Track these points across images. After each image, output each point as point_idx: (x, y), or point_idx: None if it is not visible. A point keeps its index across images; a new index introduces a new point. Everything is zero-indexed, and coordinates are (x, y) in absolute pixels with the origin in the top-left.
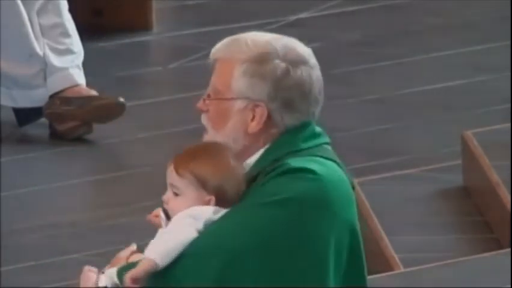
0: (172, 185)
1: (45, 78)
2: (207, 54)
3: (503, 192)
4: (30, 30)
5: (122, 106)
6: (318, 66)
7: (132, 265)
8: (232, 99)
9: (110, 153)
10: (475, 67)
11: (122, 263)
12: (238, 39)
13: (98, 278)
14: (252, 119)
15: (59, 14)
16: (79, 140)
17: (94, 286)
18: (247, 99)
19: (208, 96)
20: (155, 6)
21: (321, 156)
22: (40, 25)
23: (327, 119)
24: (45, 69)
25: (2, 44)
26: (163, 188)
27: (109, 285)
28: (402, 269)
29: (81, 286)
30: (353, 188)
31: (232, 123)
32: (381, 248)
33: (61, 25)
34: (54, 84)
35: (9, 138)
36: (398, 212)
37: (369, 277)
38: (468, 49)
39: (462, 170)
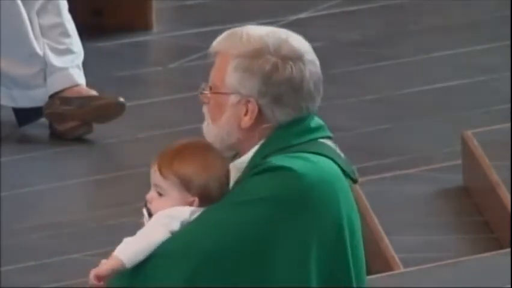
0: (156, 185)
1: (45, 78)
2: (207, 54)
3: (503, 192)
4: (30, 30)
5: (122, 106)
6: (315, 61)
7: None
8: (226, 93)
9: (110, 153)
10: (475, 67)
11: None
12: (235, 33)
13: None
14: (245, 114)
15: (59, 14)
16: (79, 140)
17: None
18: (240, 94)
19: (210, 88)
20: (155, 6)
21: (312, 152)
22: (40, 25)
23: (327, 119)
24: (45, 69)
25: (2, 44)
26: None
27: None
28: (402, 269)
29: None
30: (355, 181)
31: (226, 117)
32: (381, 248)
33: (61, 25)
34: (54, 84)
35: (9, 138)
36: (398, 212)
37: (369, 277)
38: (468, 49)
39: (462, 170)
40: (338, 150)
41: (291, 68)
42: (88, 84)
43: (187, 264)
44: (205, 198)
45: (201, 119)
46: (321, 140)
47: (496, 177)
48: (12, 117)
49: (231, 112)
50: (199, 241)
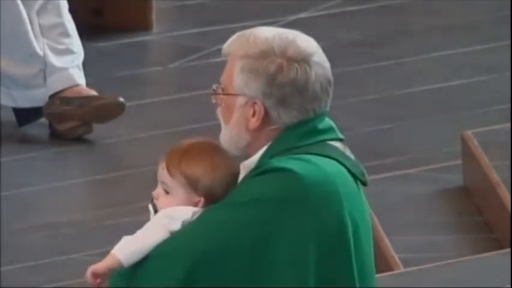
0: (163, 183)
1: (45, 78)
2: (207, 54)
3: (503, 192)
4: (30, 30)
5: (122, 106)
6: (323, 63)
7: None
8: (234, 95)
9: (110, 153)
10: (475, 67)
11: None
12: (243, 35)
13: None
14: (253, 115)
15: (59, 14)
16: (79, 140)
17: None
18: (246, 95)
19: (222, 89)
20: (155, 6)
21: (317, 154)
22: (40, 25)
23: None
24: (45, 69)
25: (2, 44)
26: None
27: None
28: (402, 269)
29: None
30: (365, 184)
31: (236, 118)
32: (381, 248)
33: (61, 25)
34: (54, 84)
35: (9, 138)
36: (398, 212)
37: None
38: (468, 49)
39: (462, 170)
40: (348, 153)
41: (296, 69)
42: (88, 84)
43: (183, 264)
44: (211, 199)
45: (201, 119)
46: (329, 142)
47: (496, 177)
48: (12, 117)
49: (240, 113)
50: (197, 241)
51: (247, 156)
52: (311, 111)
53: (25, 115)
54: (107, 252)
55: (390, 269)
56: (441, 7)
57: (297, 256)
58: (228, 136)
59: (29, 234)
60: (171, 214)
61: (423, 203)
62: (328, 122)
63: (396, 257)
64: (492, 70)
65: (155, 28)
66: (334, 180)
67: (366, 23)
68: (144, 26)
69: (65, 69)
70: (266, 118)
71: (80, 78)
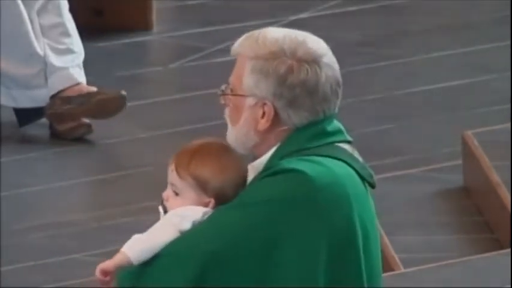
0: (173, 184)
1: (45, 78)
2: (207, 54)
3: (503, 192)
4: (30, 29)
5: (123, 99)
6: (333, 65)
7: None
8: (243, 95)
9: (110, 153)
10: (475, 67)
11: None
12: (252, 35)
13: None
14: (262, 116)
15: (59, 13)
16: (79, 140)
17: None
18: (256, 96)
19: (231, 90)
20: (155, 6)
21: (326, 155)
22: (40, 25)
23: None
24: (45, 69)
25: (2, 44)
26: (163, 188)
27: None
28: (403, 269)
29: None
30: (373, 186)
31: (244, 119)
32: (381, 248)
33: (61, 25)
34: (55, 84)
35: (9, 138)
36: (399, 212)
37: None
38: (468, 49)
39: (462, 170)
40: (356, 155)
41: (307, 70)
42: (88, 83)
43: (193, 264)
44: (221, 199)
45: (201, 119)
46: (338, 144)
47: (496, 178)
48: (12, 117)
49: (248, 114)
50: (207, 241)
51: (254, 156)
52: (321, 113)
53: (26, 115)
54: (107, 252)
55: (390, 269)
56: (441, 7)
57: (306, 257)
58: (235, 137)
59: (29, 234)
60: (182, 214)
61: (424, 203)
62: (336, 124)
63: (396, 257)
64: (492, 70)
65: (155, 28)
66: (344, 182)
67: (366, 23)
68: (144, 26)
69: (65, 68)
70: (276, 119)
71: (80, 77)
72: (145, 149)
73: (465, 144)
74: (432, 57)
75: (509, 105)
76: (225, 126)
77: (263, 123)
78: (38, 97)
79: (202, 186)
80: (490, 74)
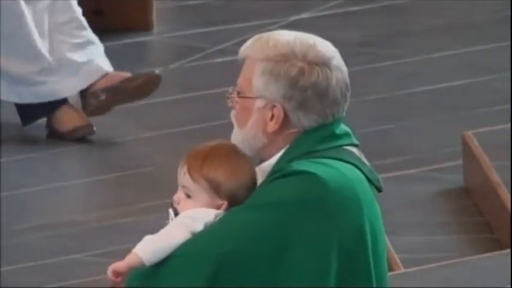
0: (185, 187)
1: (47, 75)
2: (208, 55)
3: (503, 192)
4: (32, 29)
5: (158, 78)
6: (342, 68)
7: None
8: (252, 97)
9: (110, 153)
10: (475, 67)
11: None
12: (262, 37)
13: None
14: (271, 118)
15: (70, 9)
16: (79, 140)
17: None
18: (266, 98)
19: (238, 93)
20: (155, 6)
21: (336, 158)
22: (52, 23)
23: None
24: (47, 66)
25: (4, 43)
26: (164, 189)
27: None
28: (403, 269)
29: None
30: (380, 190)
31: (252, 122)
32: None
33: (75, 19)
34: (85, 79)
35: (9, 138)
36: (399, 213)
37: None
38: (468, 49)
39: (462, 170)
40: (363, 158)
41: (318, 73)
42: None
43: (206, 265)
44: (233, 202)
45: (202, 119)
46: (346, 147)
47: (497, 178)
48: (12, 117)
49: (257, 116)
50: (220, 243)
51: (260, 159)
52: (330, 116)
53: (29, 114)
54: (107, 253)
55: (391, 269)
56: (441, 7)
57: (317, 258)
58: (242, 138)
59: (29, 234)
60: (193, 215)
61: (424, 203)
62: (344, 127)
63: (396, 257)
64: (492, 70)
65: (155, 28)
66: (354, 186)
67: (366, 23)
68: (145, 26)
69: (91, 61)
70: (285, 121)
71: (107, 66)
72: (145, 149)
73: (465, 144)
74: (433, 57)
75: (509, 105)
76: (225, 126)
77: (272, 126)
78: (41, 93)
79: (215, 188)
80: (490, 74)
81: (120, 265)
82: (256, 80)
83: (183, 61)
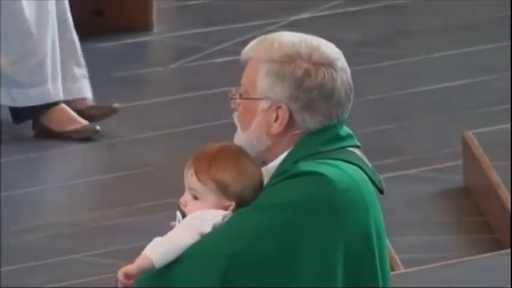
0: (192, 189)
1: (43, 76)
2: (207, 55)
3: (503, 192)
4: (31, 27)
5: (115, 110)
6: (346, 69)
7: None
8: (256, 99)
9: (110, 153)
10: (475, 67)
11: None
12: (266, 39)
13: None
14: (276, 120)
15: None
16: (80, 140)
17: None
18: (270, 99)
19: (240, 95)
20: (155, 6)
21: (341, 159)
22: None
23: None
24: (44, 67)
25: (2, 41)
26: (164, 189)
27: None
28: (403, 270)
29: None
30: (382, 192)
31: (256, 123)
32: None
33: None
34: (73, 93)
35: (9, 138)
36: (399, 212)
37: None
38: (468, 49)
39: (462, 170)
40: (366, 160)
41: (324, 74)
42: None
43: (217, 266)
44: (241, 203)
45: (201, 120)
46: (349, 149)
47: (497, 178)
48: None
49: (261, 118)
50: (229, 243)
51: (264, 160)
52: (335, 117)
53: (20, 113)
54: (107, 253)
55: (391, 269)
56: (441, 7)
57: (325, 259)
58: (245, 140)
59: (29, 234)
60: (202, 217)
61: (424, 203)
62: (346, 128)
63: (396, 257)
64: (492, 70)
65: (155, 28)
66: (360, 187)
67: (366, 23)
68: (145, 26)
69: (84, 78)
70: (289, 123)
71: (89, 92)
72: (145, 149)
73: (465, 144)
74: (433, 57)
75: (509, 105)
76: (225, 126)
77: (276, 127)
78: (36, 95)
79: (223, 189)
80: (490, 74)
81: (131, 268)
82: (260, 81)
83: (183, 61)
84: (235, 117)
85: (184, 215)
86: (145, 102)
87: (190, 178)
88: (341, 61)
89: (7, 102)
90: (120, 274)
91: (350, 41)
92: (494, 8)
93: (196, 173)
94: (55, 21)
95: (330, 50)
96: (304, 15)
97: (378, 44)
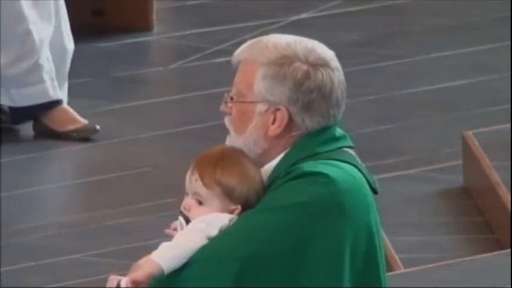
0: (196, 194)
1: (42, 74)
2: (207, 55)
3: (503, 192)
4: (29, 26)
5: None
6: (340, 69)
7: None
8: (253, 102)
9: (110, 153)
10: (475, 67)
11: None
12: (260, 41)
13: (120, 279)
14: (273, 122)
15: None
16: (79, 140)
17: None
18: (268, 102)
19: (231, 98)
20: (155, 6)
21: (339, 160)
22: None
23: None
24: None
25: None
26: (164, 189)
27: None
28: (403, 269)
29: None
30: (376, 192)
31: (253, 126)
32: None
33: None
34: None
35: (9, 138)
36: (398, 212)
37: None
38: (468, 49)
39: (462, 170)
40: (359, 160)
41: (322, 75)
42: (88, 84)
43: (231, 268)
44: (246, 206)
45: (201, 120)
46: (345, 149)
47: (496, 178)
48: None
49: (258, 121)
50: (240, 246)
51: (260, 163)
52: (332, 118)
53: (21, 113)
54: (107, 253)
55: (391, 270)
56: (441, 7)
57: (333, 259)
58: (242, 144)
59: (29, 234)
60: (209, 220)
61: (424, 203)
62: (340, 129)
63: (396, 257)
64: (492, 70)
65: (155, 29)
66: (361, 187)
67: (366, 23)
68: (145, 26)
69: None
70: (288, 124)
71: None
72: (145, 149)
73: (465, 144)
74: (433, 57)
75: (509, 105)
76: (225, 127)
77: (274, 129)
78: (34, 95)
79: (228, 193)
80: (490, 74)
81: (139, 275)
82: (258, 84)
83: (183, 61)
84: (228, 121)
85: (187, 220)
86: (145, 102)
87: (194, 183)
88: (335, 61)
89: (6, 102)
90: (129, 281)
91: (350, 41)
92: (494, 8)
93: (201, 177)
94: (54, 19)
95: (324, 50)
96: (304, 15)
97: (378, 44)
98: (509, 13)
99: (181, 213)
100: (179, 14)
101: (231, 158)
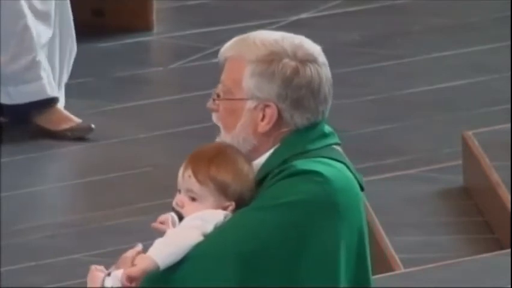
0: (189, 190)
1: (39, 72)
2: (207, 55)
3: (503, 192)
4: (28, 24)
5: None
6: (327, 64)
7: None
8: (242, 99)
9: (110, 153)
10: (475, 67)
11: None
12: (247, 38)
13: (104, 278)
14: (262, 119)
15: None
16: (79, 140)
17: (99, 286)
18: (257, 99)
19: (218, 96)
20: (155, 6)
21: (329, 158)
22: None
23: (327, 120)
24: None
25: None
26: (164, 189)
27: (114, 286)
28: (403, 269)
29: (88, 286)
30: (363, 189)
31: (242, 123)
32: (381, 248)
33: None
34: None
35: (9, 138)
36: (398, 212)
37: None
38: (468, 49)
39: (462, 170)
40: (346, 158)
41: (310, 71)
42: (88, 84)
43: (233, 265)
44: (240, 203)
45: (201, 120)
46: (334, 147)
47: (496, 178)
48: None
49: (247, 118)
50: (238, 244)
51: (250, 159)
52: (321, 114)
53: (15, 112)
54: (107, 253)
55: (390, 269)
56: (441, 7)
57: (330, 257)
58: (231, 141)
59: (29, 234)
60: (203, 217)
61: (424, 203)
62: (328, 126)
63: (396, 257)
64: (492, 70)
65: (155, 29)
66: (353, 186)
67: (366, 23)
68: (145, 26)
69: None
70: (277, 121)
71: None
72: (144, 149)
73: (465, 144)
74: (433, 57)
75: (509, 105)
76: None
77: (263, 126)
78: (32, 92)
79: (223, 190)
80: (490, 74)
81: (134, 270)
82: (246, 81)
83: (183, 61)
84: (215, 117)
85: (180, 217)
86: (145, 102)
87: (187, 180)
88: (322, 56)
89: (4, 99)
90: (123, 277)
91: (350, 41)
92: (494, 8)
93: (195, 174)
94: (56, 17)
95: (312, 46)
96: (304, 15)
97: (378, 44)
98: (509, 13)
99: (173, 209)
100: (179, 14)
101: (225, 154)
